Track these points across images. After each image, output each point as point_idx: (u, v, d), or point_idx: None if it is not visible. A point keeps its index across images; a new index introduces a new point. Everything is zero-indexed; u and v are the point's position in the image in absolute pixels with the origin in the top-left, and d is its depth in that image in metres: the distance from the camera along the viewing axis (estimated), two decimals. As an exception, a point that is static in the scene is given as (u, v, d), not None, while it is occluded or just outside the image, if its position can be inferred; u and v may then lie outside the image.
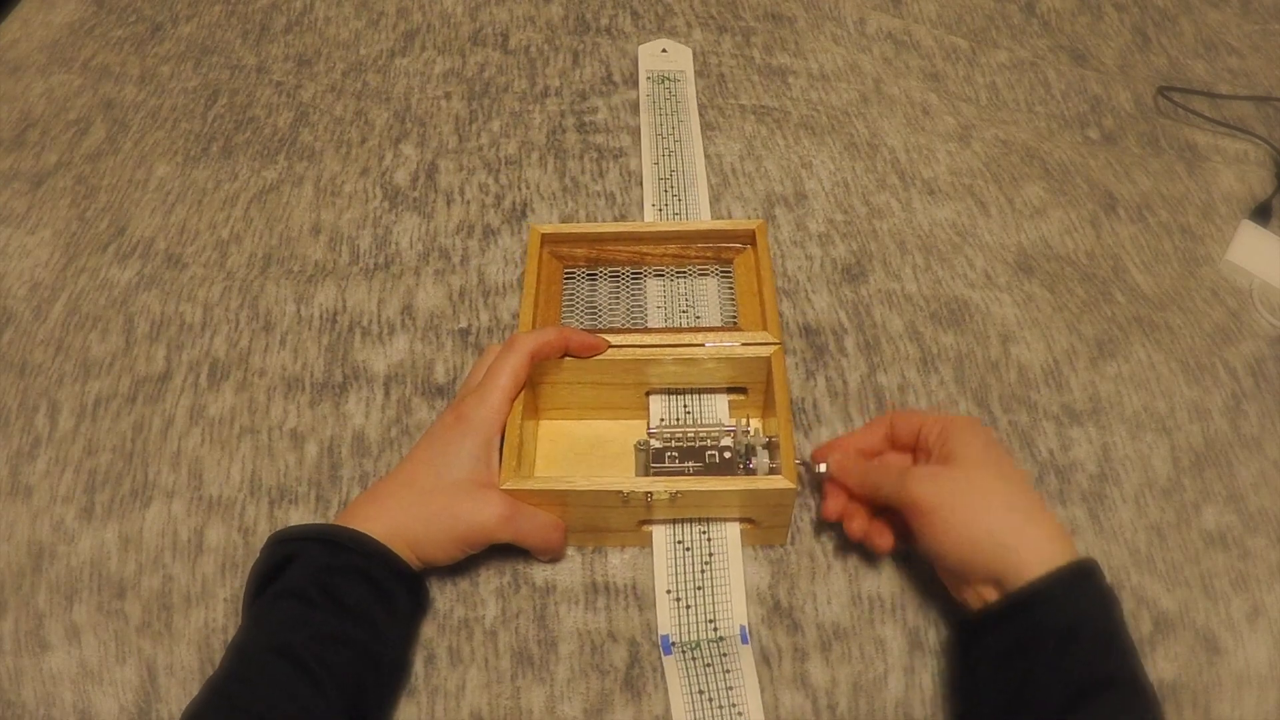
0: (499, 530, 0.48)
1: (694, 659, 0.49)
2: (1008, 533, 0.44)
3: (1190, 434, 0.58)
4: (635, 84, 0.77)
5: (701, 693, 0.49)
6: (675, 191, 0.66)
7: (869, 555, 0.53)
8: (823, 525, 0.54)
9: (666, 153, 0.69)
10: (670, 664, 0.49)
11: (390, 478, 0.50)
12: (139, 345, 0.62)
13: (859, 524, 0.51)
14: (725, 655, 0.49)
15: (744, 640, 0.50)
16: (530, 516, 0.49)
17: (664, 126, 0.71)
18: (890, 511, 0.50)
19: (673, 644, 0.50)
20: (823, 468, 0.52)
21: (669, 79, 0.74)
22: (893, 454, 0.53)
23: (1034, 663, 0.43)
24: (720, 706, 0.48)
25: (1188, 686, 0.50)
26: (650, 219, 0.67)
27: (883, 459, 0.53)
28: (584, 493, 0.49)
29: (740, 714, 0.48)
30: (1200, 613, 0.52)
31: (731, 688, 0.48)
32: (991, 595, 0.45)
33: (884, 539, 0.51)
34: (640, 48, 0.79)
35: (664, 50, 0.77)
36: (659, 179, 0.68)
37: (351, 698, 0.44)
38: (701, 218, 0.66)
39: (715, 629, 0.50)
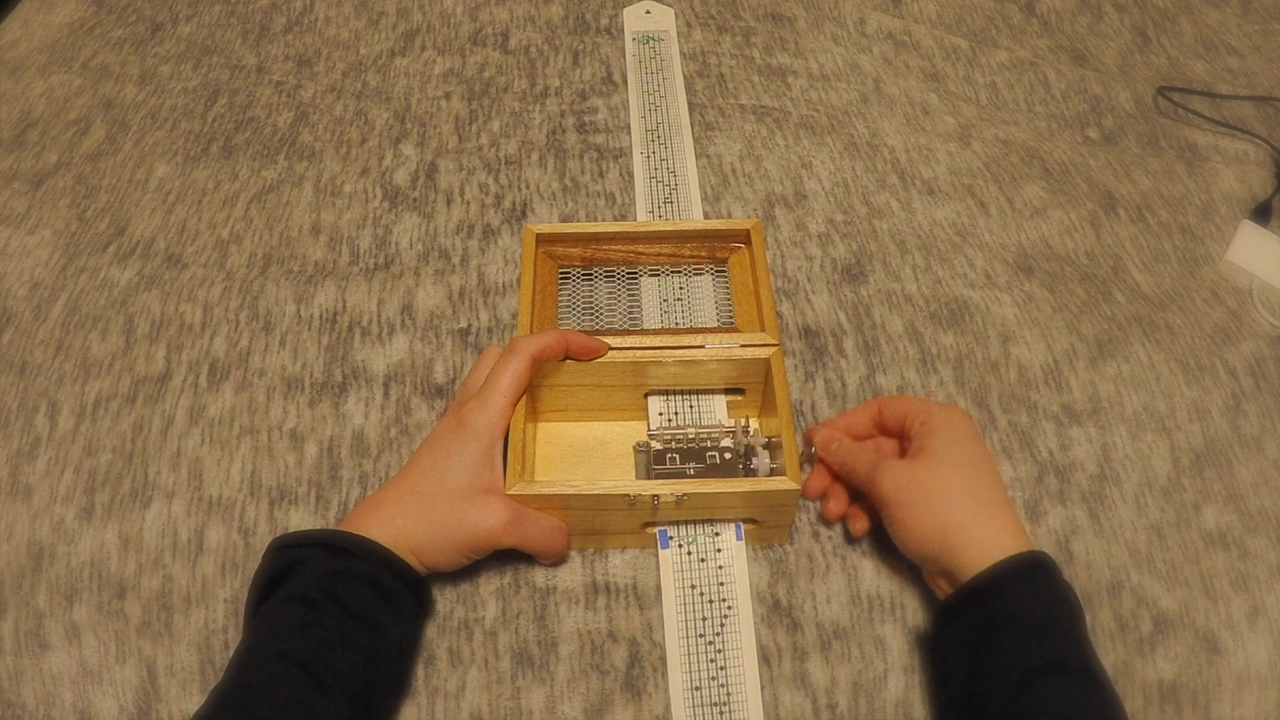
0: (503, 536, 0.48)
1: (689, 554, 0.52)
2: (955, 528, 0.46)
3: (1190, 434, 0.58)
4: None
5: (701, 636, 0.50)
6: (663, 140, 0.73)
7: (869, 555, 0.53)
8: (822, 526, 0.54)
9: (653, 107, 0.75)
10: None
11: (393, 484, 0.50)
12: (139, 345, 0.62)
13: (836, 505, 0.53)
14: (720, 551, 0.52)
15: (738, 536, 0.53)
16: (534, 521, 0.49)
17: (649, 84, 0.77)
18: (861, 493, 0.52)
19: (670, 537, 0.52)
20: (814, 449, 0.54)
21: (653, 39, 0.80)
22: (883, 440, 0.55)
23: (983, 650, 0.44)
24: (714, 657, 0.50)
25: (1188, 686, 0.50)
26: (639, 166, 0.71)
27: (875, 445, 0.54)
28: (589, 496, 0.49)
29: (732, 657, 0.50)
30: (1200, 613, 0.52)
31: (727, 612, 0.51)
32: (947, 588, 0.48)
33: (859, 523, 0.53)
34: (625, 10, 0.83)
35: (648, 11, 0.83)
36: (646, 130, 0.74)
37: (359, 703, 0.44)
38: (687, 162, 0.71)
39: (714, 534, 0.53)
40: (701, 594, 0.52)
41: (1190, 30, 0.84)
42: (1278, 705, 0.50)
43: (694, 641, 0.50)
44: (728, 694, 0.49)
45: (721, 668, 0.50)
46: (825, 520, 0.54)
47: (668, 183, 0.70)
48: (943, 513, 0.47)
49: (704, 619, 0.51)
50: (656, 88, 0.77)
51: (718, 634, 0.51)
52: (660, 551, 0.52)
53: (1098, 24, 0.85)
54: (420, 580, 0.49)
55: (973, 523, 0.46)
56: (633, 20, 0.82)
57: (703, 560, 0.52)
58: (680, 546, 0.53)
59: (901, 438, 0.53)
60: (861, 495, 0.53)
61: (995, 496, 0.48)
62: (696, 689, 0.49)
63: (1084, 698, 0.42)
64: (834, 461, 0.53)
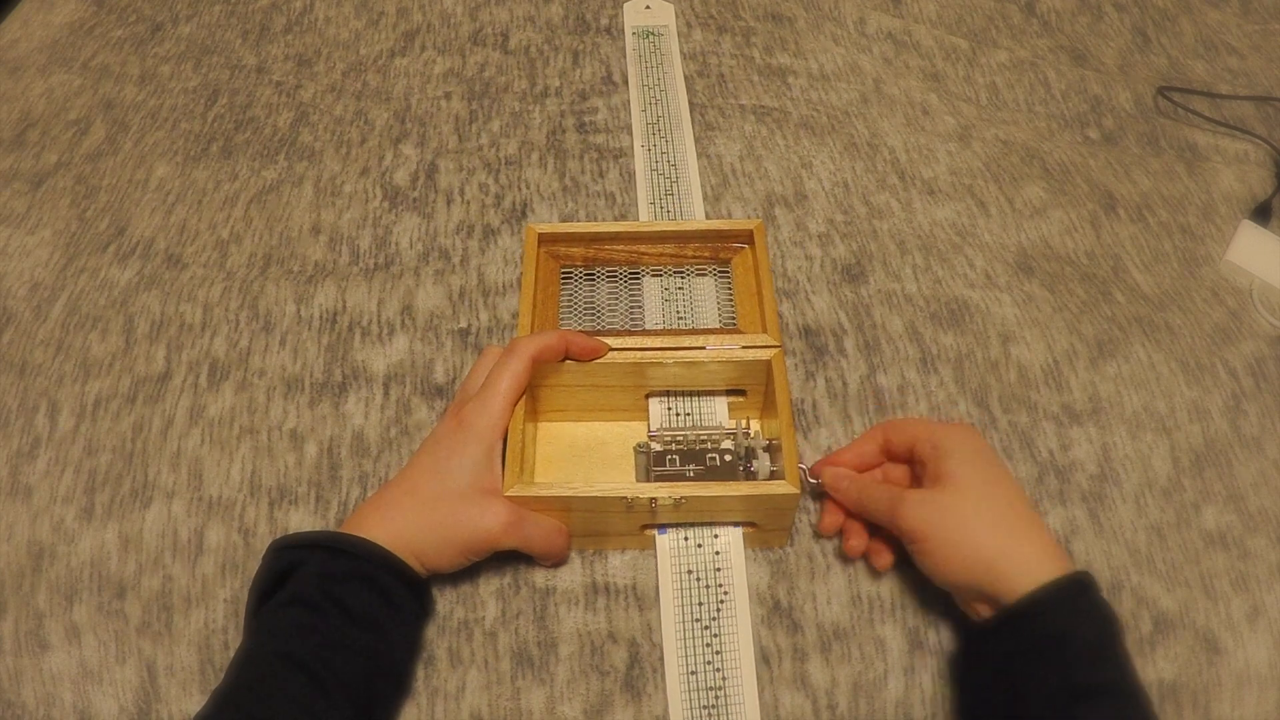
0: (503, 537, 0.48)
1: (685, 539, 0.52)
2: (996, 555, 0.45)
3: (1190, 434, 0.58)
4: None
5: (697, 620, 0.51)
6: (663, 133, 0.73)
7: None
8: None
9: (653, 101, 0.76)
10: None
11: (392, 485, 0.50)
12: (139, 345, 0.62)
13: (857, 541, 0.51)
14: (716, 536, 0.52)
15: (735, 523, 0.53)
16: (534, 523, 0.49)
17: (650, 78, 0.78)
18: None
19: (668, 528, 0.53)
20: (818, 482, 0.53)
21: (653, 33, 0.81)
22: (891, 466, 0.53)
23: (1027, 673, 0.43)
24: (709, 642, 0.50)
25: (1188, 686, 0.50)
26: (639, 158, 0.71)
27: (883, 473, 0.53)
28: (588, 498, 0.49)
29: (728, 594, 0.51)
30: (1200, 613, 0.52)
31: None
32: (987, 612, 0.46)
33: (882, 558, 0.51)
34: (625, 5, 0.84)
35: (648, 7, 0.83)
36: (647, 123, 0.74)
37: (359, 704, 0.44)
38: (687, 156, 0.71)
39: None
40: (698, 579, 0.52)
41: (1190, 30, 0.84)
42: (1278, 705, 0.50)
43: (690, 627, 0.50)
44: (727, 694, 0.49)
45: (720, 669, 0.49)
46: (847, 557, 0.52)
47: (668, 175, 0.70)
48: (979, 541, 0.45)
49: (700, 604, 0.51)
50: (657, 82, 0.77)
51: (714, 618, 0.51)
52: (658, 537, 0.52)
53: (1098, 24, 0.85)
54: (421, 581, 0.49)
55: (1011, 546, 0.45)
56: (633, 15, 0.83)
57: (700, 546, 0.52)
58: (677, 528, 0.53)
59: (912, 463, 0.52)
60: (880, 528, 0.51)
61: (1026, 514, 0.47)
62: (694, 690, 0.49)
63: (1131, 717, 0.42)
64: (848, 501, 0.51)
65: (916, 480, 0.51)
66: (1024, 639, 0.44)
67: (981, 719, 0.46)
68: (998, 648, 0.45)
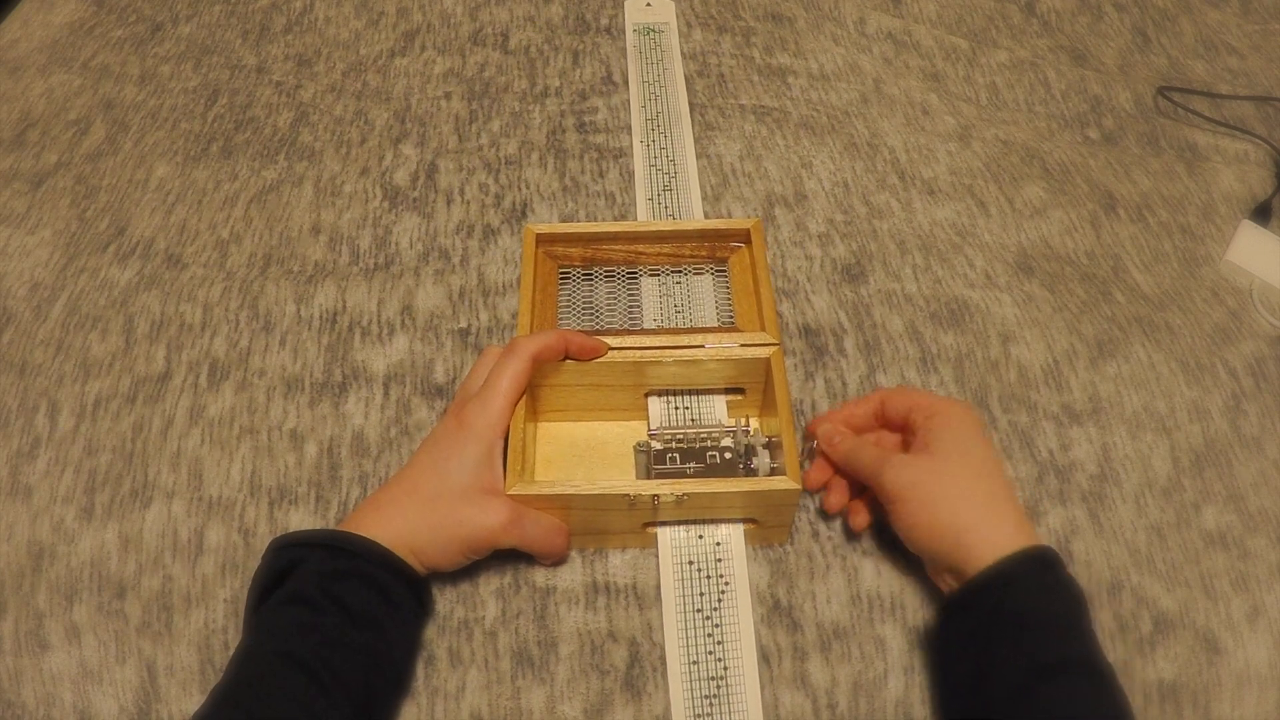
0: (504, 536, 0.48)
1: (686, 529, 0.53)
2: (964, 525, 0.46)
3: (1190, 434, 0.58)
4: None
5: (698, 611, 0.51)
6: (663, 129, 0.73)
7: (869, 555, 0.53)
8: (822, 525, 0.54)
9: (653, 96, 0.76)
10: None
11: (392, 484, 0.50)
12: (139, 345, 0.62)
13: (837, 498, 0.53)
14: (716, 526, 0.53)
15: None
16: (535, 521, 0.49)
17: (649, 74, 0.78)
18: (870, 490, 0.52)
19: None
20: (814, 443, 0.54)
21: (653, 30, 0.81)
22: (885, 433, 0.55)
23: (991, 646, 0.44)
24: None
25: (1188, 686, 0.50)
26: (639, 154, 0.71)
27: (877, 438, 0.54)
28: (589, 496, 0.49)
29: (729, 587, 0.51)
30: (1200, 613, 0.52)
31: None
32: (953, 584, 0.47)
33: (860, 517, 0.53)
34: (626, 2, 0.84)
35: (648, 4, 0.84)
36: (646, 119, 0.75)
37: (360, 703, 0.44)
38: (686, 152, 0.72)
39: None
40: (699, 569, 0.52)
41: (1190, 30, 0.84)
42: (1278, 705, 0.50)
43: (692, 617, 0.51)
44: (728, 683, 0.49)
45: (721, 658, 0.50)
46: (825, 514, 0.54)
47: (667, 170, 0.70)
48: (953, 509, 0.47)
49: (702, 594, 0.51)
50: (656, 78, 0.77)
51: (715, 608, 0.51)
52: (659, 530, 0.53)
53: (1098, 24, 0.85)
54: (420, 580, 0.49)
55: (983, 519, 0.46)
56: (633, 12, 0.83)
57: (700, 537, 0.53)
58: (679, 525, 0.53)
59: (905, 431, 0.53)
60: (862, 489, 0.53)
61: (1004, 493, 0.48)
62: (696, 680, 0.49)
63: (1093, 693, 0.42)
64: (838, 456, 0.53)
65: (907, 448, 0.52)
66: (986, 612, 0.44)
67: (951, 694, 0.47)
68: (963, 622, 0.46)
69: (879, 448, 0.52)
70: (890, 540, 0.51)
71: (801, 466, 0.51)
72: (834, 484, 0.54)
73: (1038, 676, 0.42)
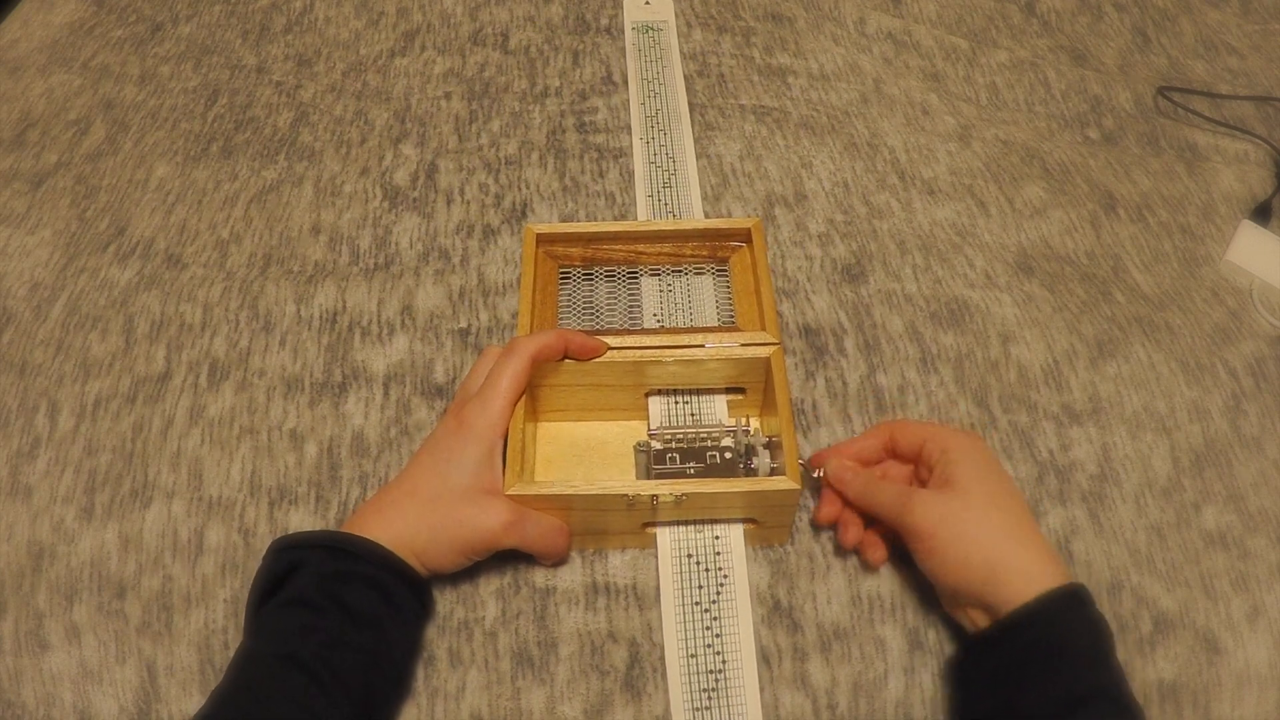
0: (504, 537, 0.48)
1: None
2: (998, 561, 0.45)
3: (1190, 434, 0.58)
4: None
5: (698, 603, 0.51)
6: (662, 127, 0.74)
7: (869, 555, 0.53)
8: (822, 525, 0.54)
9: (652, 94, 0.76)
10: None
11: (393, 486, 0.50)
12: (139, 345, 0.62)
13: (853, 534, 0.52)
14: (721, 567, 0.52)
15: None
16: (535, 522, 0.49)
17: (649, 72, 0.78)
18: (883, 523, 0.51)
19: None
20: (818, 474, 0.53)
21: (652, 28, 0.81)
22: (892, 464, 0.53)
23: (1022, 680, 0.43)
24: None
25: (1188, 686, 0.50)
26: (638, 152, 0.71)
27: (883, 470, 0.53)
28: (589, 496, 0.49)
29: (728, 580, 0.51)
30: (1200, 613, 0.52)
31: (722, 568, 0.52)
32: (982, 620, 0.46)
33: (877, 552, 0.52)
34: (625, 1, 0.84)
35: (647, 2, 0.84)
36: (646, 116, 0.75)
37: (360, 704, 0.44)
38: (686, 150, 0.72)
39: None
40: (698, 563, 0.52)
41: (1190, 30, 0.84)
42: (1278, 705, 0.50)
43: (690, 610, 0.51)
44: (726, 678, 0.49)
45: (720, 652, 0.50)
46: (841, 549, 0.53)
47: (666, 168, 0.71)
48: (984, 544, 0.46)
49: (700, 587, 0.51)
50: (656, 76, 0.77)
51: (714, 602, 0.51)
52: (658, 529, 0.53)
53: (1098, 24, 0.85)
54: (421, 581, 0.49)
55: (1014, 553, 0.46)
56: (632, 10, 0.83)
57: (699, 532, 0.53)
58: (678, 525, 0.53)
59: (917, 464, 0.52)
60: (876, 522, 0.52)
61: (1030, 524, 0.47)
62: (694, 674, 0.49)
63: None
64: (851, 494, 0.51)
65: (919, 482, 0.52)
66: (1020, 649, 0.44)
67: None
68: (994, 658, 0.45)
69: (897, 483, 0.51)
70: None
71: (801, 483, 0.50)
72: (847, 519, 0.52)
73: (1071, 707, 0.42)
